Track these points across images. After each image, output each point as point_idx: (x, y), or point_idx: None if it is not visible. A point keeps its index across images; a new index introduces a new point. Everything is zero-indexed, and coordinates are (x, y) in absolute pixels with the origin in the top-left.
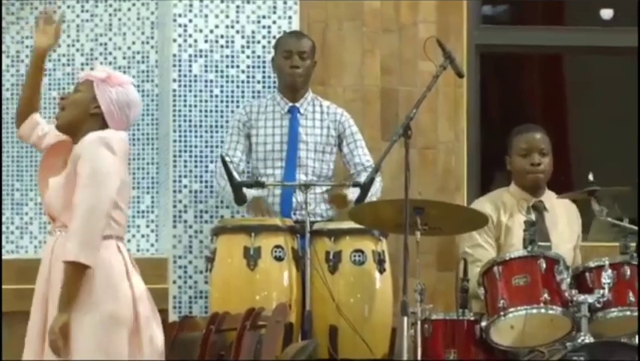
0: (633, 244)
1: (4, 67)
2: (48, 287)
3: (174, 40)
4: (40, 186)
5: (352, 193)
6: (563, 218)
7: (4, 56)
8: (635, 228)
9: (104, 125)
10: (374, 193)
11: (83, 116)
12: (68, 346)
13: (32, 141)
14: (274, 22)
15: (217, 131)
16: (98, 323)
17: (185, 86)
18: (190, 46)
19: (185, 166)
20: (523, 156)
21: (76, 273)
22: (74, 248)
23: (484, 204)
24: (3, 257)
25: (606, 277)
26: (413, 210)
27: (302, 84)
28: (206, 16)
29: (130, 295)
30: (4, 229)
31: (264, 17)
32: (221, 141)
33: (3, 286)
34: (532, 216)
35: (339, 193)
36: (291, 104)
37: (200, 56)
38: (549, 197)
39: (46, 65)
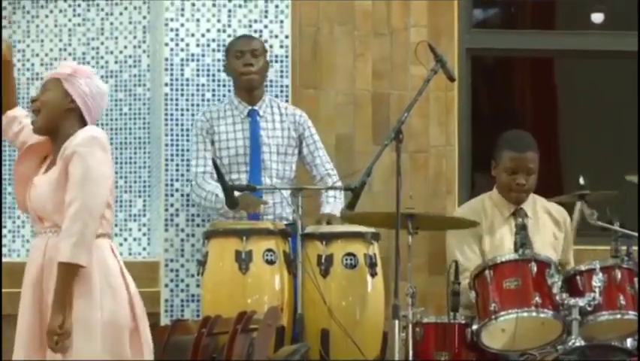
0: (624, 248)
1: None
2: (42, 290)
3: (166, 45)
4: (18, 187)
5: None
6: (547, 222)
7: None
8: (634, 233)
9: (80, 120)
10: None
11: (59, 115)
12: (70, 346)
13: (9, 137)
14: (266, 27)
15: None
16: (102, 323)
17: (177, 90)
18: (182, 50)
19: (177, 170)
20: (509, 174)
21: (70, 274)
22: (68, 249)
23: (465, 212)
24: None
25: (597, 281)
26: (405, 218)
27: (258, 83)
28: (197, 20)
29: (126, 294)
30: None
31: (255, 21)
32: None
33: None
34: (520, 220)
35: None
36: (249, 107)
37: (192, 60)
38: (532, 201)
39: (38, 69)
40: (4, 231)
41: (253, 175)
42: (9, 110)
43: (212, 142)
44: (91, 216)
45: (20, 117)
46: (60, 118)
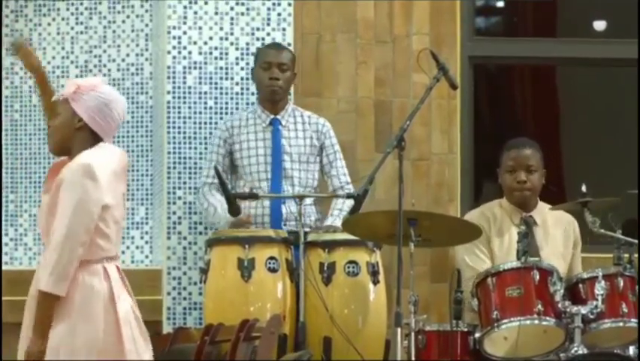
0: (626, 255)
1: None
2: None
3: (168, 53)
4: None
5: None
6: (556, 232)
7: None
8: (634, 240)
9: (93, 135)
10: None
11: (69, 135)
12: None
13: None
14: (268, 34)
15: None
16: (73, 349)
17: (179, 98)
18: (184, 58)
19: (180, 178)
20: (510, 173)
21: (47, 301)
22: (45, 277)
23: (474, 216)
24: None
25: (599, 289)
26: (407, 221)
27: (281, 96)
28: (200, 28)
29: (113, 319)
30: None
31: (257, 29)
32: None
33: None
34: (524, 228)
35: None
36: (272, 116)
37: (195, 68)
38: (541, 210)
39: None
40: (6, 239)
41: (274, 183)
42: None
43: (232, 152)
44: (69, 247)
45: None
46: (71, 138)
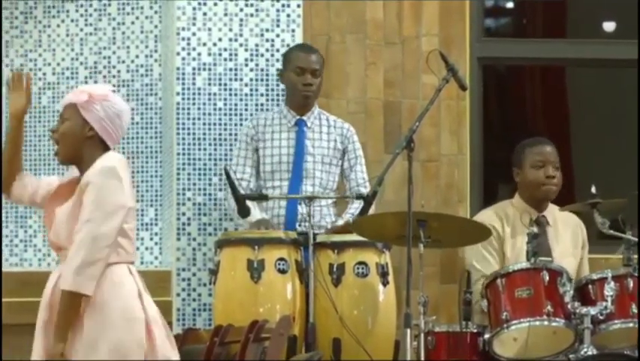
0: (636, 256)
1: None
2: (50, 315)
3: (178, 54)
4: (49, 233)
5: (356, 209)
6: (565, 232)
7: (7, 69)
8: (636, 239)
9: (102, 144)
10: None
11: (79, 144)
12: None
13: (26, 201)
14: (277, 36)
15: (220, 144)
16: (109, 349)
17: (188, 99)
18: (194, 59)
19: (189, 179)
20: (538, 168)
21: (72, 301)
22: (70, 277)
23: (487, 216)
24: (6, 269)
25: (609, 290)
26: (416, 222)
27: (313, 100)
28: (209, 29)
29: (143, 317)
30: (7, 242)
31: (267, 30)
32: (225, 154)
33: (6, 299)
34: (535, 229)
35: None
36: (298, 117)
37: (204, 69)
38: (552, 211)
39: (50, 78)
40: (16, 240)
41: (294, 183)
42: (18, 172)
43: (257, 149)
44: (98, 247)
45: (29, 180)
46: (81, 147)
